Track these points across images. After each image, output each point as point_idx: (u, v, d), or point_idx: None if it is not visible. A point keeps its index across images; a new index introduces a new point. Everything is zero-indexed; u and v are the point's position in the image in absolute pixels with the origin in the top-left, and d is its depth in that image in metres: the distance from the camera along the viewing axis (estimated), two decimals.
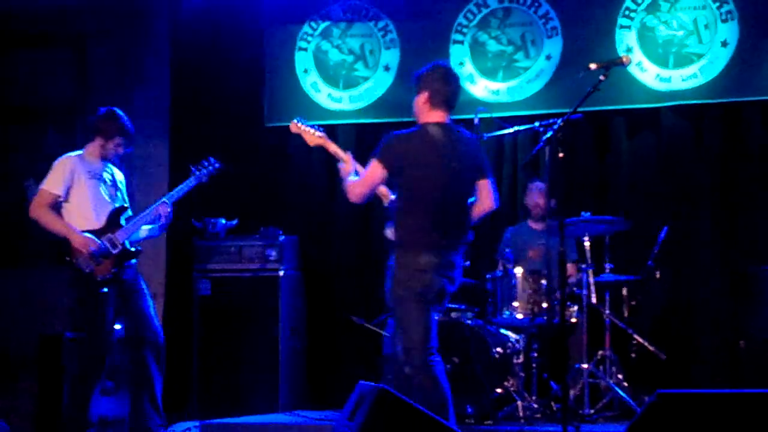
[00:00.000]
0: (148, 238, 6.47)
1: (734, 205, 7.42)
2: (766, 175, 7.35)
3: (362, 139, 8.12)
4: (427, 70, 5.34)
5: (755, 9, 7.38)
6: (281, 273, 7.62)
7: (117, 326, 7.42)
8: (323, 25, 8.30)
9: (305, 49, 8.32)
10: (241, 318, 7.60)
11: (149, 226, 6.37)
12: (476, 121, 6.61)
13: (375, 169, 5.17)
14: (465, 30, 7.97)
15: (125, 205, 6.34)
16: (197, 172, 6.47)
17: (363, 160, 5.34)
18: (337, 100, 8.23)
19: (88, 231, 6.11)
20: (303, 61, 8.31)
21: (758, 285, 6.87)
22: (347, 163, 5.40)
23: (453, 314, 6.85)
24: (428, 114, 5.28)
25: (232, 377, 7.55)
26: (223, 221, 7.81)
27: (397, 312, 5.15)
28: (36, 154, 8.50)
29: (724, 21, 7.43)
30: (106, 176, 6.34)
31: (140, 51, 8.60)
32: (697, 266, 7.42)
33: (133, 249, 6.24)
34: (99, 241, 6.07)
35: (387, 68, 8.11)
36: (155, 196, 8.25)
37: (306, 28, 8.33)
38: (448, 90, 5.28)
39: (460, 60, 7.95)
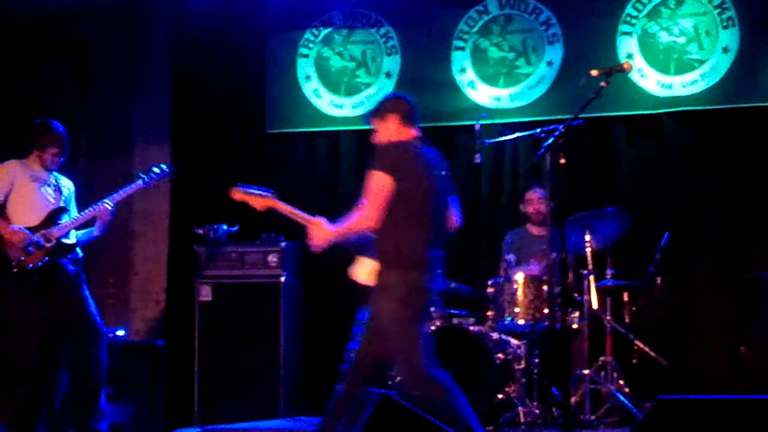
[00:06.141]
0: (87, 241, 6.59)
1: (735, 212, 7.42)
2: (767, 181, 7.36)
3: (363, 146, 8.12)
4: None
5: (756, 15, 7.39)
6: (282, 279, 7.61)
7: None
8: (325, 31, 8.31)
9: (307, 56, 8.34)
10: (243, 324, 7.58)
11: (83, 231, 6.54)
12: (478, 127, 6.63)
13: None
14: (466, 36, 7.98)
15: (65, 207, 6.50)
16: (145, 177, 6.67)
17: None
18: (338, 107, 8.24)
19: (26, 228, 6.30)
20: (304, 68, 8.33)
21: (759, 291, 6.88)
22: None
23: (454, 320, 6.85)
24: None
25: (233, 383, 7.53)
26: (225, 227, 7.80)
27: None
28: None
29: (725, 27, 7.44)
30: (51, 181, 6.52)
31: (141, 57, 8.59)
32: (698, 272, 7.43)
33: (69, 242, 6.42)
34: (31, 234, 6.25)
35: (388, 75, 8.12)
36: (155, 202, 8.29)
37: (308, 34, 8.34)
38: None
39: (462, 66, 7.96)
